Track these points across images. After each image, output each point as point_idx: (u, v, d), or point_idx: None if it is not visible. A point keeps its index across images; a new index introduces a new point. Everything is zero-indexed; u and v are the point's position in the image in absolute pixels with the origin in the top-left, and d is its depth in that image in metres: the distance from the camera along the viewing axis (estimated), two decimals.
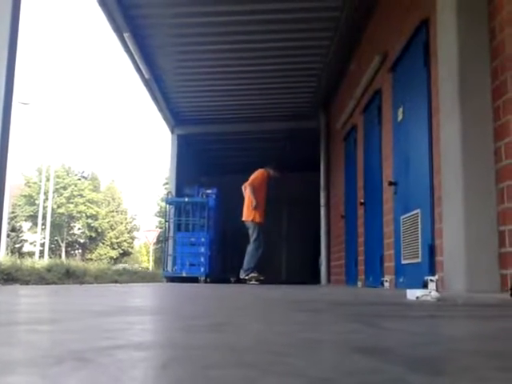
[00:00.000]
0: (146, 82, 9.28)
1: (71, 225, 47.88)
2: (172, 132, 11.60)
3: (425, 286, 4.40)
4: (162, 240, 16.37)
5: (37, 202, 40.41)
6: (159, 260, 24.45)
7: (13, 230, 42.91)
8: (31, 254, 32.04)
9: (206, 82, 9.47)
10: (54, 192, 40.35)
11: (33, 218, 42.93)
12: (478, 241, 3.60)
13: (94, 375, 0.67)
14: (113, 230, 48.70)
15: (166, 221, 11.25)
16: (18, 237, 44.13)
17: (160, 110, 10.71)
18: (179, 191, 11.24)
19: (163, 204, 19.52)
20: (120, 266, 17.41)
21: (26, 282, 5.73)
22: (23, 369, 0.71)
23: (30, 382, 0.64)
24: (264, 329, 1.36)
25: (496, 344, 1.11)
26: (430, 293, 2.96)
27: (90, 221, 46.50)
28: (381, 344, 1.04)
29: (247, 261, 9.54)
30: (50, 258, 29.00)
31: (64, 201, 44.94)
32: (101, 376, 0.67)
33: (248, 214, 9.74)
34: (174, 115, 11.15)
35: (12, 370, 0.70)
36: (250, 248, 9.60)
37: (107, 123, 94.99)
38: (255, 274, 9.40)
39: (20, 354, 0.86)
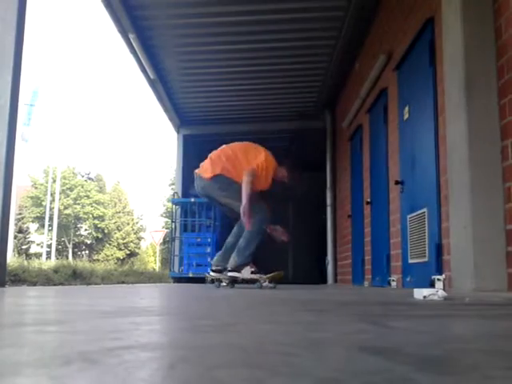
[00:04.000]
0: (152, 83, 9.30)
1: (78, 226, 48.04)
2: (178, 132, 11.63)
3: (432, 285, 4.40)
4: (168, 240, 16.40)
5: (43, 203, 40.56)
6: (166, 260, 24.49)
7: (20, 231, 43.09)
8: (38, 255, 32.16)
9: (212, 82, 9.49)
10: (60, 193, 40.49)
11: (40, 219, 43.09)
12: (485, 240, 3.59)
13: (101, 376, 0.67)
14: (119, 230, 48.82)
15: (172, 221, 11.28)
16: (25, 238, 44.30)
17: (165, 110, 10.74)
18: (185, 192, 11.25)
19: (169, 204, 19.55)
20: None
21: (33, 283, 5.75)
22: (30, 370, 0.71)
23: (37, 382, 0.64)
24: (271, 329, 1.36)
25: (504, 343, 1.10)
26: (437, 292, 2.95)
27: (96, 222, 46.64)
28: (388, 343, 1.04)
29: (243, 246, 5.66)
30: (57, 259, 29.09)
31: (71, 202, 45.09)
32: (108, 377, 0.67)
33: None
34: (180, 115, 11.18)
35: (19, 371, 0.70)
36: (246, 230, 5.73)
37: (112, 124, 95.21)
38: (251, 269, 5.62)
39: (27, 354, 0.86)
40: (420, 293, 2.99)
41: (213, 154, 6.14)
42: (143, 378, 0.67)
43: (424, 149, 5.16)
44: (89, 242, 49.08)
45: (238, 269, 5.64)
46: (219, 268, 5.87)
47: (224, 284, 5.80)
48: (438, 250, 4.65)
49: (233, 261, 5.66)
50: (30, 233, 45.62)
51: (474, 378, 0.68)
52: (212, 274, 5.94)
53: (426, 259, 5.01)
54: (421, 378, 0.67)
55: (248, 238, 5.69)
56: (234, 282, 5.74)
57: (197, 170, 6.15)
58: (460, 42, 3.86)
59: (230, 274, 5.66)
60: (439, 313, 2.04)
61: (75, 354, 0.84)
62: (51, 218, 36.81)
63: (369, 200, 7.52)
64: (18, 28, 4.56)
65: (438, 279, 4.42)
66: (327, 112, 10.73)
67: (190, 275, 10.26)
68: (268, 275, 5.64)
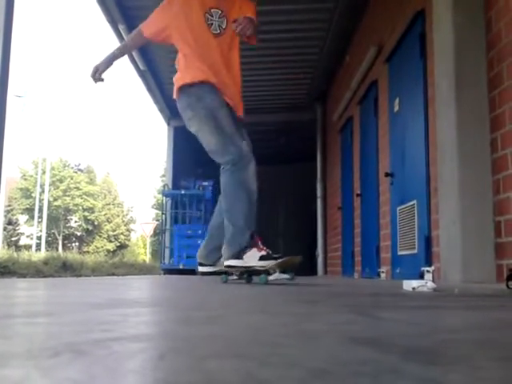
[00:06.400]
0: (142, 74, 9.26)
1: (68, 218, 47.81)
2: (168, 124, 11.58)
3: (421, 276, 4.43)
4: (158, 232, 16.38)
5: (33, 194, 40.34)
6: (156, 252, 24.48)
7: (9, 223, 42.86)
8: (28, 247, 31.98)
9: None
10: (50, 185, 40.25)
11: (29, 211, 42.83)
12: (474, 231, 3.61)
13: (90, 367, 0.67)
14: (109, 222, 48.64)
15: (162, 213, 11.29)
16: (14, 230, 44.09)
17: (156, 101, 10.69)
18: (176, 183, 11.24)
19: (160, 196, 19.50)
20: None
21: (23, 275, 5.72)
22: (19, 361, 0.71)
23: (25, 374, 0.63)
24: (261, 320, 1.36)
25: (492, 334, 1.11)
26: (427, 283, 2.97)
27: (86, 213, 46.44)
28: (376, 334, 1.05)
29: (232, 219, 3.87)
30: (47, 250, 28.96)
31: (60, 194, 44.84)
32: (97, 368, 0.66)
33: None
34: (170, 107, 11.12)
35: (8, 363, 0.70)
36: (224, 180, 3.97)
37: (102, 115, 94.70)
38: (264, 252, 3.93)
39: (16, 346, 0.86)
40: (409, 284, 3.00)
41: None
42: (133, 368, 0.67)
43: (414, 141, 5.17)
44: (79, 233, 48.88)
45: (238, 257, 3.92)
46: (202, 262, 4.44)
47: (235, 277, 4.40)
48: (428, 241, 4.68)
49: (226, 251, 4.00)
50: (19, 224, 45.37)
51: (462, 368, 0.69)
52: (200, 268, 4.49)
53: (415, 251, 5.04)
54: (409, 368, 0.67)
55: (228, 216, 3.89)
56: (245, 273, 4.15)
57: None
58: (450, 34, 3.87)
59: (227, 263, 4.01)
60: (428, 304, 2.05)
61: (64, 346, 0.83)
62: (41, 210, 36.62)
63: (359, 192, 7.54)
64: (7, 18, 4.51)
65: (427, 271, 4.45)
66: (318, 104, 10.73)
67: (181, 267, 10.27)
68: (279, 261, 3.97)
